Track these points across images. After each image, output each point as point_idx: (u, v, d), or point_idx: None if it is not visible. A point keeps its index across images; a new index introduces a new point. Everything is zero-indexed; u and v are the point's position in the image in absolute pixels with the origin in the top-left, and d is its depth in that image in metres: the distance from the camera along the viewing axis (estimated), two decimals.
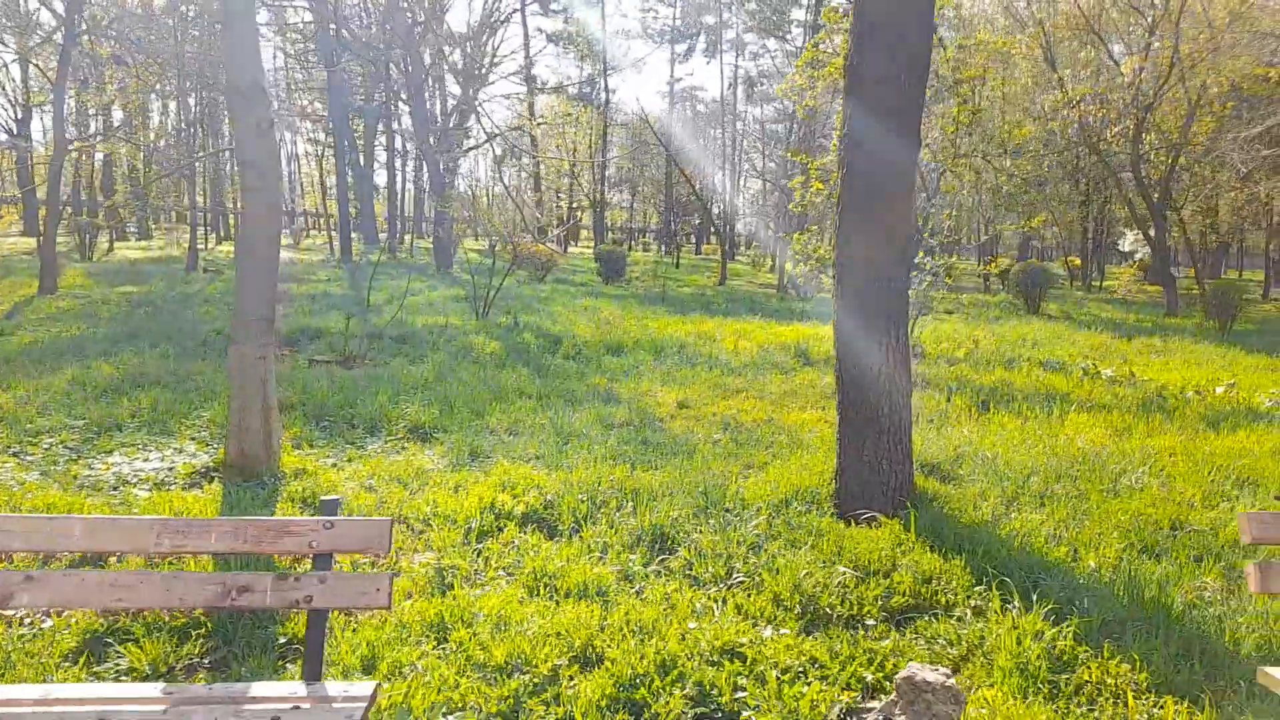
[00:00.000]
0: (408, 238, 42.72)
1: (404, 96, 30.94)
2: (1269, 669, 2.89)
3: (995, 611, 4.03)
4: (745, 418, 8.43)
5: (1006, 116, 26.82)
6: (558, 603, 4.10)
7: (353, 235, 31.03)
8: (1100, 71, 21.90)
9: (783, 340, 13.40)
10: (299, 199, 54.37)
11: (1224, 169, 21.47)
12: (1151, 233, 22.67)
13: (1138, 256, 51.13)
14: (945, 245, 12.95)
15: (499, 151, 36.03)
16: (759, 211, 46.53)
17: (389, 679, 3.40)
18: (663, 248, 47.00)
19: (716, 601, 4.19)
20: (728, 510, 5.41)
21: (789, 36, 43.95)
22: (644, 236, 61.96)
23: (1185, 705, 3.35)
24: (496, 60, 41.47)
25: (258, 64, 6.23)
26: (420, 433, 7.49)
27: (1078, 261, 38.74)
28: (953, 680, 3.09)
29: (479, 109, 30.65)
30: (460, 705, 3.27)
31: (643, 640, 3.70)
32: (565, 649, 3.65)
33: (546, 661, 3.54)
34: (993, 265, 15.12)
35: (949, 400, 9.22)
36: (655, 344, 12.52)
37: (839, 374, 5.75)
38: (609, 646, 3.65)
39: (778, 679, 3.46)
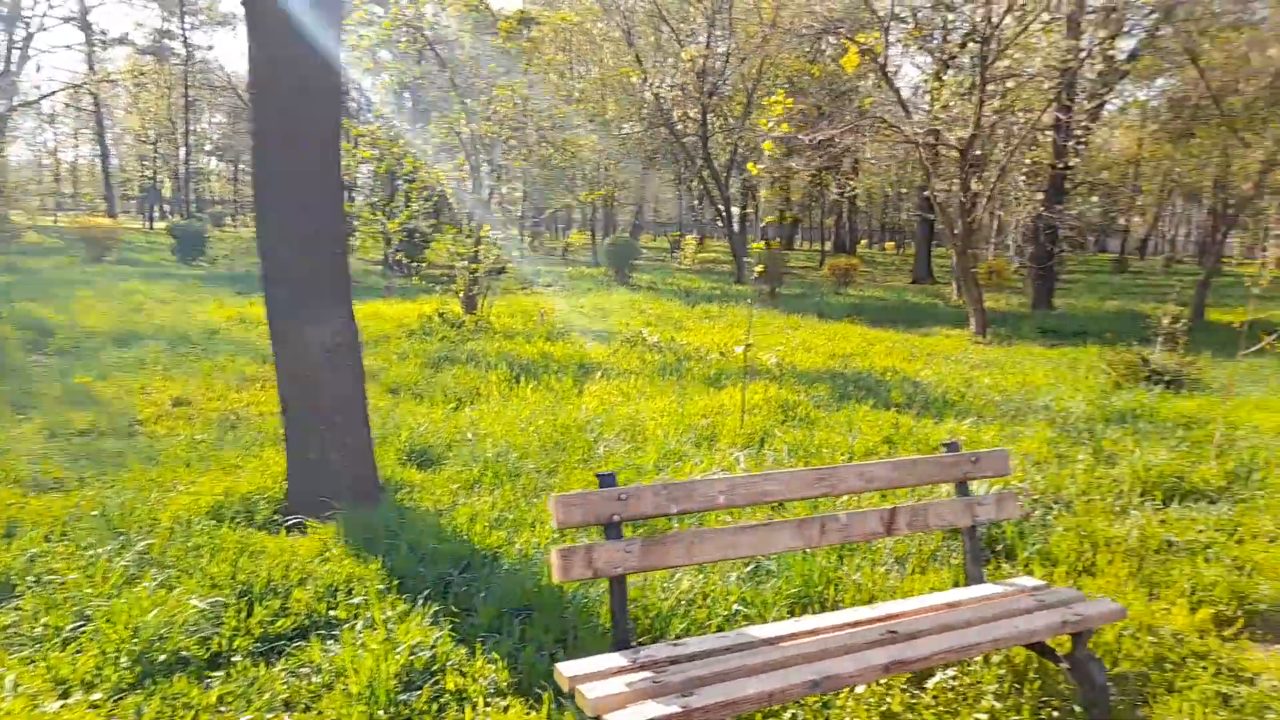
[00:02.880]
0: None
1: None
2: (562, 665, 2.64)
3: (379, 624, 3.53)
4: (255, 411, 7.38)
5: (605, 97, 27.94)
6: None
7: None
8: (671, 57, 23.47)
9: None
10: None
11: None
12: (722, 208, 24.85)
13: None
14: (533, 219, 12.70)
15: (52, 110, 30.15)
16: None
17: None
18: None
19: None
20: (121, 534, 4.40)
21: None
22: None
23: (529, 704, 3.08)
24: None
25: None
26: None
27: (677, 235, 42.11)
28: None
29: (31, 58, 25.20)
30: None
31: None
32: None
33: None
34: (573, 238, 15.36)
35: (485, 376, 8.89)
36: (205, 330, 10.86)
37: (276, 360, 4.98)
38: None
39: None
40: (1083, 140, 19.00)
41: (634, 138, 26.39)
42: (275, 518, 4.83)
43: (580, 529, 4.01)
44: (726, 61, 20.68)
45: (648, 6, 22.92)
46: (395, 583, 3.94)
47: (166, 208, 48.40)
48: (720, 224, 27.30)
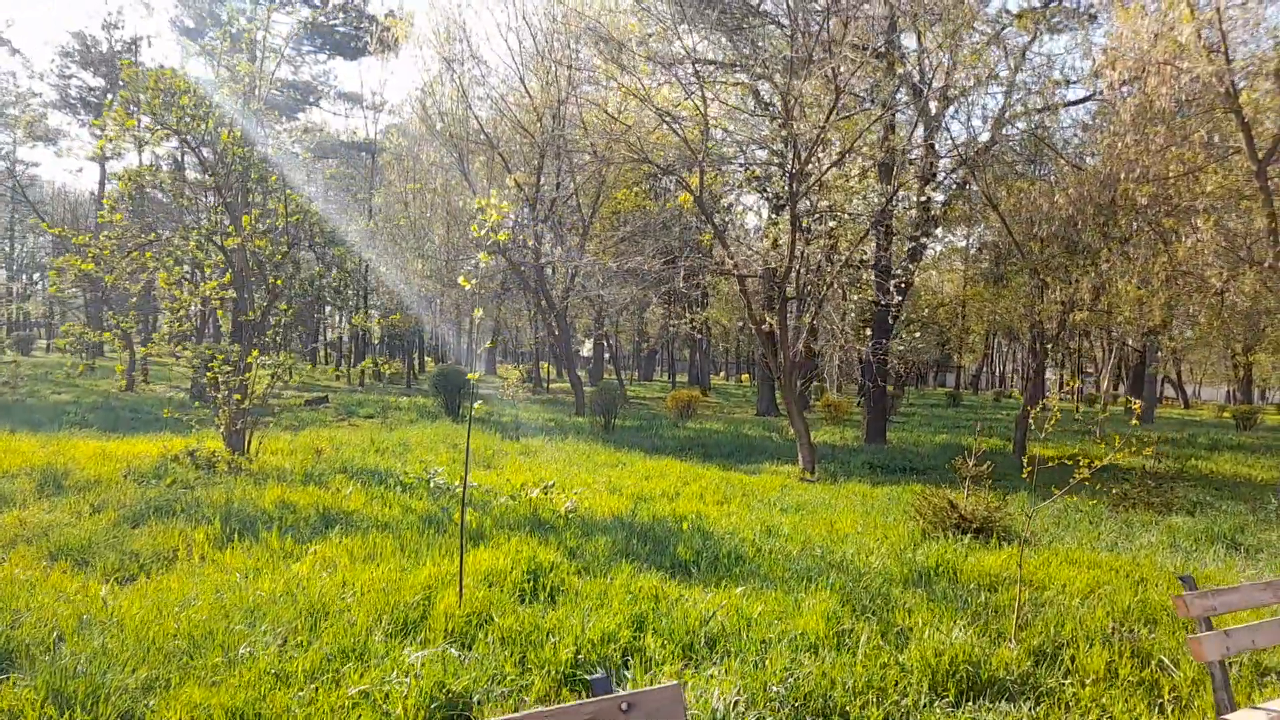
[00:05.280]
0: None
1: None
2: None
3: None
4: None
5: (443, 224, 27.08)
6: None
7: None
8: (505, 186, 23.05)
9: None
10: None
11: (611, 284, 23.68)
12: (558, 336, 23.96)
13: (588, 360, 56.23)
14: (282, 339, 11.13)
15: None
16: None
17: None
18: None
19: None
20: None
21: None
22: None
23: None
24: None
25: None
26: None
27: (527, 367, 41.09)
28: None
29: None
30: None
31: None
32: None
33: None
34: (365, 364, 13.87)
35: (189, 534, 7.12)
36: None
37: None
38: None
39: None
40: (904, 280, 19.38)
41: (479, 265, 25.58)
42: None
43: None
44: (557, 189, 20.29)
45: (479, 135, 22.46)
46: None
47: None
48: (558, 353, 26.34)
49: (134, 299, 11.50)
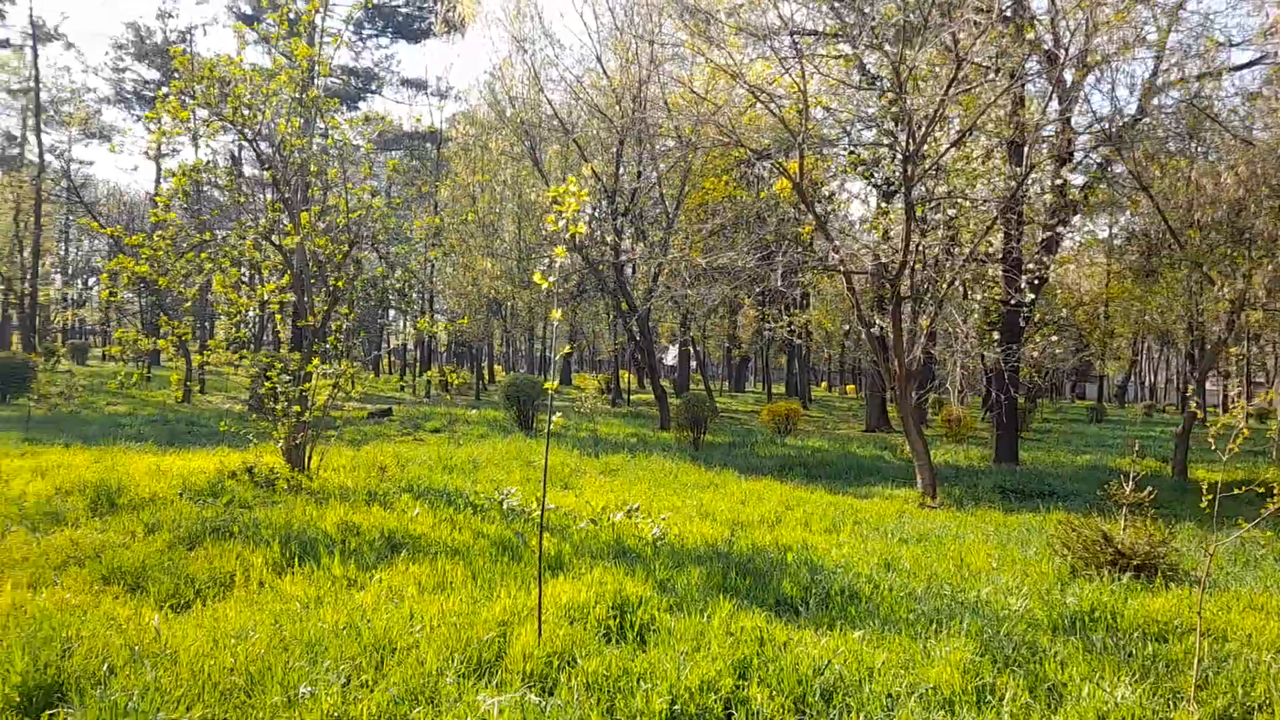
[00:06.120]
0: None
1: None
2: None
3: None
4: None
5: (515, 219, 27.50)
6: None
7: None
8: (581, 176, 23.17)
9: None
10: None
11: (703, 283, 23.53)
12: (640, 341, 23.96)
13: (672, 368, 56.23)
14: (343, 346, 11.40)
15: None
16: None
17: None
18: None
19: None
20: None
21: None
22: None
23: None
24: None
25: None
26: None
27: (605, 377, 41.29)
28: None
29: None
30: None
31: None
32: None
33: None
34: (430, 374, 14.11)
35: (247, 558, 7.29)
36: None
37: None
38: None
39: None
40: (1037, 276, 18.69)
41: (556, 261, 25.73)
42: None
43: None
44: (638, 179, 20.30)
45: (552, 121, 22.70)
46: None
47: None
48: (639, 360, 26.33)
49: (189, 304, 11.92)
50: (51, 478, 10.34)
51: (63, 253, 60.28)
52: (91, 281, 62.56)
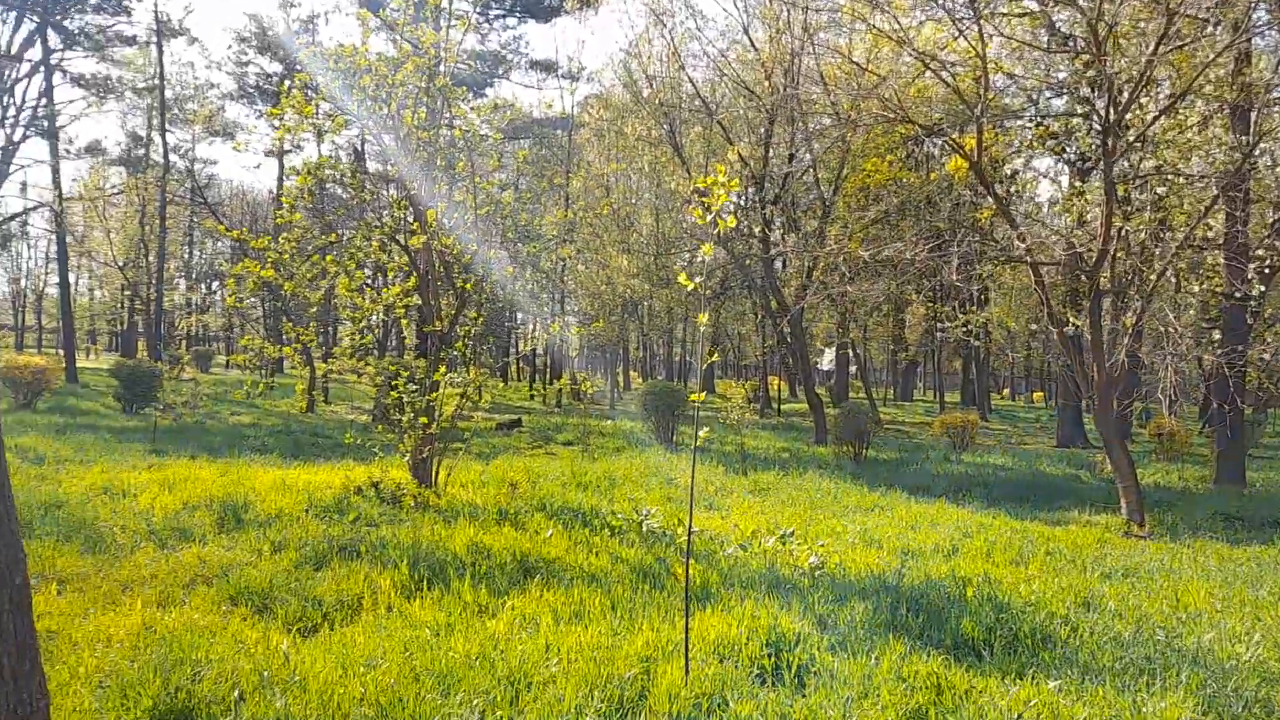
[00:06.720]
0: None
1: None
2: None
3: None
4: None
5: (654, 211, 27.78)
6: None
7: None
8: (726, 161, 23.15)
9: None
10: None
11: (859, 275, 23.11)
12: (792, 344, 23.77)
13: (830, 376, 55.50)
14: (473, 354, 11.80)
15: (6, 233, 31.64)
16: None
17: None
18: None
19: None
20: None
21: None
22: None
23: None
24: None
25: None
26: None
27: (753, 383, 41.10)
28: None
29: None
30: None
31: None
32: None
33: None
34: (562, 381, 14.44)
35: (376, 579, 7.64)
36: (48, 503, 10.02)
37: None
38: None
39: None
40: (1268, 264, 17.51)
41: (696, 261, 25.96)
42: None
43: None
44: (790, 161, 20.12)
45: (693, 102, 22.79)
46: None
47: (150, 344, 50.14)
48: (791, 365, 26.10)
49: (313, 309, 12.58)
50: (178, 492, 11.10)
51: (186, 256, 64.72)
52: (215, 286, 66.99)
